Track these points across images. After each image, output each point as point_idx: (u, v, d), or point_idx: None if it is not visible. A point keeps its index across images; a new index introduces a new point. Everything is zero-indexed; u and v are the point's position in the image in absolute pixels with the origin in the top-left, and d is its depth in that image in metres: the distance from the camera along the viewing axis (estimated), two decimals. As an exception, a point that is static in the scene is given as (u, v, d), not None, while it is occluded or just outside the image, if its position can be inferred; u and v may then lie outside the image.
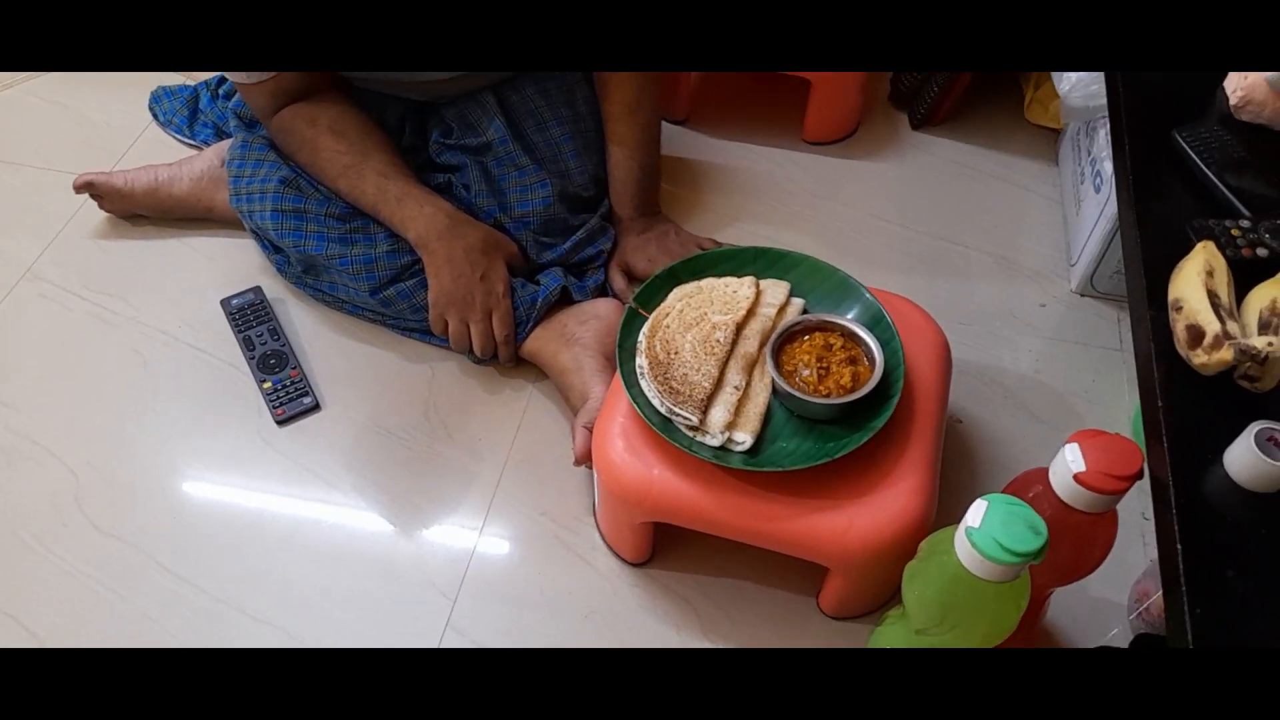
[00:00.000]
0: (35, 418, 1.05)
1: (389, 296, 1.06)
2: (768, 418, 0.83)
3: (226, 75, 1.06)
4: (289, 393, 1.06)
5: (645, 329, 0.87)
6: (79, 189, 1.17)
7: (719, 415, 0.81)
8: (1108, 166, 1.08)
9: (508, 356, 1.06)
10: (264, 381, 1.06)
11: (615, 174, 1.14)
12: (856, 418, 0.81)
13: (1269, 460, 0.57)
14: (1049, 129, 1.33)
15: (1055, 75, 1.17)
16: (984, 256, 1.20)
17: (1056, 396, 1.07)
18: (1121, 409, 1.06)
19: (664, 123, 1.30)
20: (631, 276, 1.13)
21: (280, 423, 1.04)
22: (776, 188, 1.29)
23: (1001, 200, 1.27)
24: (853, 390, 0.80)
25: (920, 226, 1.24)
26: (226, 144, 1.18)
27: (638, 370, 0.85)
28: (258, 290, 1.13)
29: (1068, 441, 0.67)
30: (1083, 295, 1.16)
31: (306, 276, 1.11)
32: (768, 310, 0.88)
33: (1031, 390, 1.07)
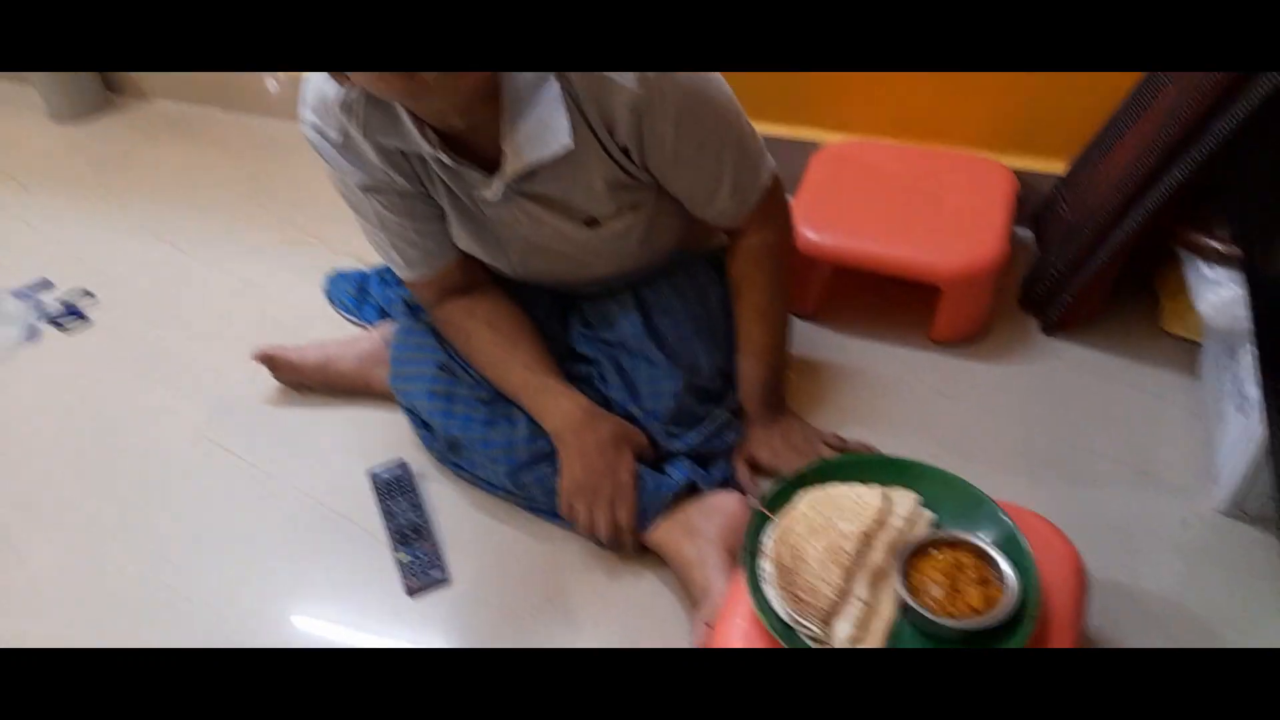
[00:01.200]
0: (186, 572, 1.13)
1: (524, 480, 1.11)
2: (893, 632, 0.82)
3: (397, 273, 1.17)
4: (421, 565, 1.11)
5: (772, 532, 0.89)
6: (259, 360, 1.29)
7: (843, 629, 0.81)
8: (1252, 390, 1.05)
9: (631, 545, 1.08)
10: (399, 552, 1.12)
11: (744, 372, 1.18)
12: (986, 641, 0.79)
13: None
14: (1188, 340, 1.31)
15: (1192, 288, 1.16)
16: (1119, 467, 1.18)
17: (1202, 624, 1.01)
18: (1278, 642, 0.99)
19: (792, 318, 1.35)
20: (756, 469, 1.16)
21: (411, 593, 1.08)
22: (902, 386, 1.30)
23: (1137, 410, 1.24)
24: (983, 613, 0.79)
25: (1051, 433, 1.22)
26: (390, 327, 1.29)
27: (760, 573, 0.86)
28: (403, 464, 1.21)
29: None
30: (1230, 516, 1.11)
31: (450, 453, 1.18)
32: (896, 522, 0.88)
33: (1174, 615, 1.02)
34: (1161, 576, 1.06)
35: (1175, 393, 1.26)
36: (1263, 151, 1.00)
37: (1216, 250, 1.13)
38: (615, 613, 1.06)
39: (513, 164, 0.97)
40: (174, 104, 2.01)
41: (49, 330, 1.47)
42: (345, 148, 1.03)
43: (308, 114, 1.04)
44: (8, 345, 1.43)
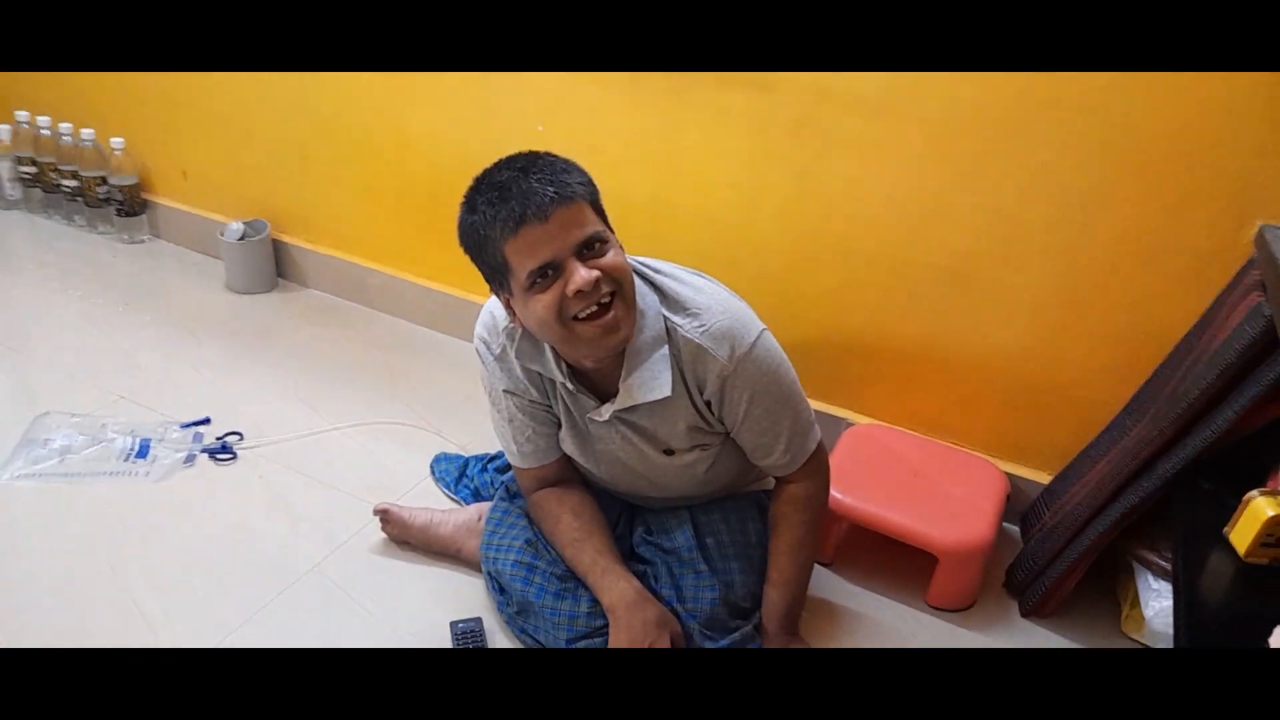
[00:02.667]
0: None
1: (578, 648, 1.35)
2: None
3: (510, 460, 1.47)
4: (480, 706, 1.32)
5: None
6: (377, 512, 1.58)
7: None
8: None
9: None
10: (463, 692, 1.34)
11: (769, 595, 1.43)
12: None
13: None
14: (1141, 644, 1.54)
15: (1141, 597, 1.41)
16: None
17: None
18: None
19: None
20: (767, 680, 1.38)
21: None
22: (898, 639, 1.53)
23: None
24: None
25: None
26: (486, 505, 1.58)
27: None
28: (479, 620, 1.45)
29: None
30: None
31: (518, 617, 1.43)
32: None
33: None
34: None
35: (1128, 685, 1.47)
36: (1192, 490, 1.29)
37: (1161, 566, 1.40)
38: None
39: (623, 400, 1.30)
40: (327, 296, 2.43)
41: (203, 459, 1.78)
42: (500, 359, 1.37)
43: (480, 329, 1.39)
44: (170, 465, 1.74)
